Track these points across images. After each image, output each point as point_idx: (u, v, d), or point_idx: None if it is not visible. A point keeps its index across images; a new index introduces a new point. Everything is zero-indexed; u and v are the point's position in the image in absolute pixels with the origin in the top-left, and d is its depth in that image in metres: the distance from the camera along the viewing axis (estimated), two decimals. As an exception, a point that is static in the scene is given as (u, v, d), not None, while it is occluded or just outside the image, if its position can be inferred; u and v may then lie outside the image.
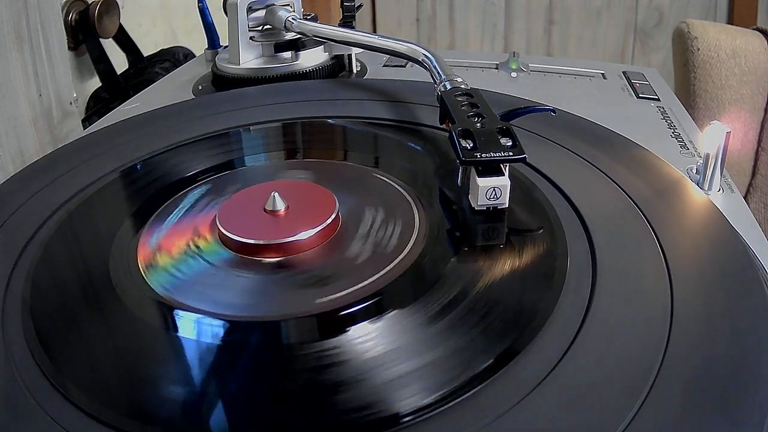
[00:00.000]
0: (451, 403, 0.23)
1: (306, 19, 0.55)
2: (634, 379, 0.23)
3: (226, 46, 0.59)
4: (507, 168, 0.33)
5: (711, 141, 0.37)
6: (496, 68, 0.60)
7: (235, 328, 0.27)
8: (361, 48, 0.53)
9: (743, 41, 0.74)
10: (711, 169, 0.38)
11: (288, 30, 0.56)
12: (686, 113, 0.50)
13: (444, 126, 0.39)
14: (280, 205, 0.33)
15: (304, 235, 0.31)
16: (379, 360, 0.25)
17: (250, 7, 0.56)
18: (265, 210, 0.33)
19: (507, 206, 0.33)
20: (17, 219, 0.35)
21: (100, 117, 0.54)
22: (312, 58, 0.57)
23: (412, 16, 1.45)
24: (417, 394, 0.23)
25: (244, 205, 0.33)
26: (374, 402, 0.23)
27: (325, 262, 0.30)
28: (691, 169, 0.40)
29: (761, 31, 0.76)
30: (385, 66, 0.61)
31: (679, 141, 0.45)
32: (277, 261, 0.30)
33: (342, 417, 0.23)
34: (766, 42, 0.74)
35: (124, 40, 0.80)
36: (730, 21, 1.33)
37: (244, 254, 0.31)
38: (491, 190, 0.32)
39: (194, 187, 0.37)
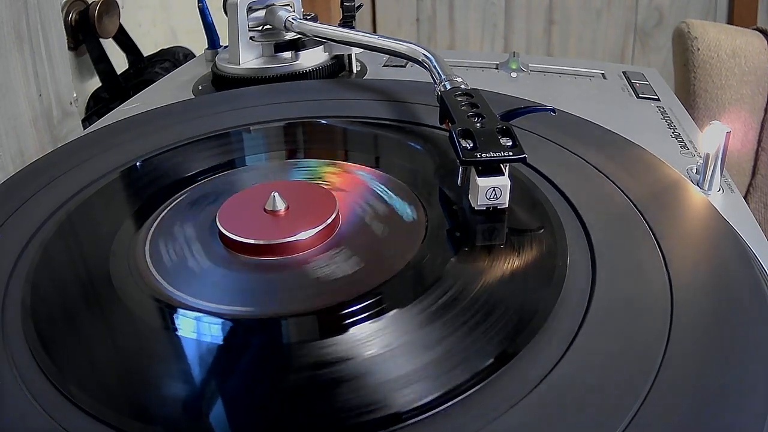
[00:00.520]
0: (450, 403, 0.23)
1: (306, 19, 0.55)
2: (634, 379, 0.23)
3: (226, 46, 0.59)
4: (507, 168, 0.33)
5: (711, 141, 0.37)
6: (496, 68, 0.60)
7: (234, 328, 0.27)
8: (361, 48, 0.53)
9: (743, 41, 0.74)
10: (711, 169, 0.38)
11: (288, 30, 0.56)
12: (686, 113, 0.50)
13: (444, 126, 0.39)
14: (280, 205, 0.33)
15: (304, 235, 0.31)
16: (379, 359, 0.25)
17: (250, 7, 0.56)
18: (265, 210, 0.33)
19: (507, 206, 0.33)
20: (17, 219, 0.35)
21: (100, 117, 0.54)
22: (312, 58, 0.57)
23: (412, 16, 1.45)
24: (416, 393, 0.23)
25: (244, 205, 0.33)
26: (373, 401, 0.23)
27: (324, 261, 0.30)
28: (691, 169, 0.40)
29: (761, 31, 0.76)
30: (385, 66, 0.61)
31: (679, 141, 0.45)
32: (277, 261, 0.30)
33: (341, 416, 0.23)
34: (766, 42, 0.74)
35: (124, 40, 0.80)
36: (730, 21, 1.33)
37: (244, 254, 0.31)
38: (491, 190, 0.32)
39: (194, 187, 0.37)
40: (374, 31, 1.45)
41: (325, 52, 0.57)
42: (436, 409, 0.23)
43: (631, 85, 0.56)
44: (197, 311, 0.28)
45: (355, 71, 0.59)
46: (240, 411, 0.23)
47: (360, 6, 0.58)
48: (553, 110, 0.40)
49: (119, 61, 0.79)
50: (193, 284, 0.29)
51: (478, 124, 0.34)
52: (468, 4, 1.41)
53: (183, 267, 0.31)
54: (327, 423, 0.23)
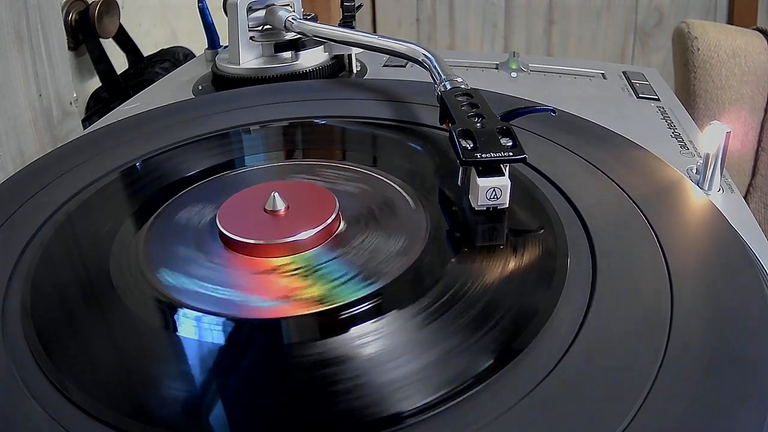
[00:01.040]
0: (451, 404, 0.23)
1: (306, 19, 0.55)
2: (634, 379, 0.23)
3: (226, 46, 0.59)
4: (507, 168, 0.33)
5: (711, 141, 0.37)
6: (496, 68, 0.60)
7: (234, 328, 0.27)
8: (361, 48, 0.53)
9: (743, 41, 0.74)
10: (711, 169, 0.38)
11: (288, 30, 0.56)
12: (686, 113, 0.50)
13: (444, 126, 0.39)
14: (280, 205, 0.33)
15: (304, 235, 0.31)
16: (378, 360, 0.25)
17: (250, 7, 0.56)
18: (265, 210, 0.33)
19: (507, 206, 0.33)
20: (17, 219, 0.35)
21: (100, 117, 0.54)
22: (312, 58, 0.57)
23: (412, 16, 1.45)
24: (416, 394, 0.23)
25: (244, 205, 0.33)
26: (373, 402, 0.23)
27: (324, 261, 0.30)
28: (691, 169, 0.40)
29: (761, 31, 0.76)
30: (385, 66, 0.61)
31: (679, 141, 0.45)
32: (278, 261, 0.30)
33: (341, 417, 0.23)
34: (766, 42, 0.74)
35: (124, 40, 0.80)
36: (730, 21, 1.33)
37: (244, 254, 0.31)
38: (491, 190, 0.32)
39: (194, 187, 0.37)
40: (374, 31, 1.45)
41: (325, 52, 0.57)
42: (436, 410, 0.23)
43: (631, 85, 0.56)
44: (197, 311, 0.28)
45: (355, 71, 0.59)
46: (239, 411, 0.23)
47: (360, 6, 0.58)
48: (553, 110, 0.40)
49: (119, 61, 0.79)
50: (193, 284, 0.29)
51: (478, 124, 0.34)
52: (468, 4, 1.41)
53: (183, 267, 0.31)
54: (327, 423, 0.23)
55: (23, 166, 0.43)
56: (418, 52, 0.47)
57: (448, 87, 0.40)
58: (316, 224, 0.31)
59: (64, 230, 0.34)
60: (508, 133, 0.33)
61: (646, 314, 0.26)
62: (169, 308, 0.28)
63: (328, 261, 0.30)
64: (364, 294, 0.28)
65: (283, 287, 0.29)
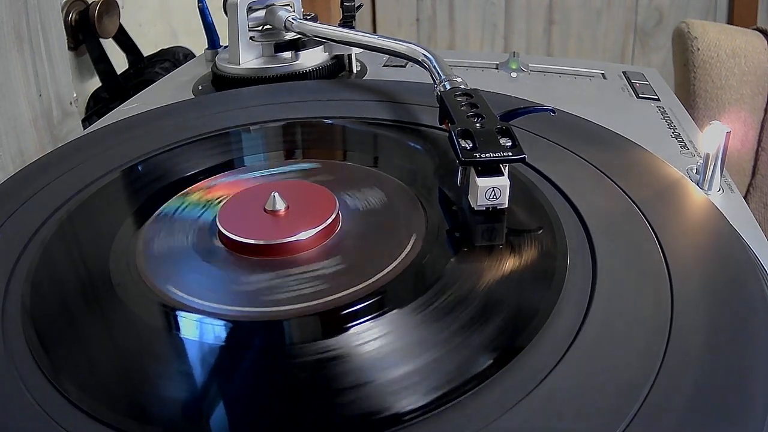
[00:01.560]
0: (450, 404, 0.23)
1: (306, 19, 0.55)
2: (634, 380, 0.23)
3: (226, 46, 0.59)
4: (506, 168, 0.33)
5: (711, 141, 0.37)
6: (496, 68, 0.60)
7: (234, 328, 0.27)
8: (361, 48, 0.53)
9: (743, 41, 0.74)
10: (711, 169, 0.38)
11: (288, 30, 0.56)
12: (686, 113, 0.50)
13: (444, 126, 0.39)
14: (280, 205, 0.33)
15: (304, 235, 0.31)
16: (378, 360, 0.25)
17: (250, 7, 0.56)
18: (265, 210, 0.33)
19: (506, 206, 0.33)
20: (17, 219, 0.35)
21: (100, 117, 0.54)
22: (312, 58, 0.56)
23: (412, 16, 1.45)
24: (416, 394, 0.23)
25: (244, 205, 0.33)
26: (373, 402, 0.23)
27: (324, 261, 0.30)
28: (691, 169, 0.40)
29: (761, 31, 0.76)
30: (385, 66, 0.61)
31: (679, 141, 0.45)
32: (278, 261, 0.30)
33: (341, 416, 0.23)
34: (766, 42, 0.74)
35: (124, 40, 0.80)
36: (730, 21, 1.33)
37: (244, 254, 0.31)
38: (491, 190, 0.32)
39: (194, 187, 0.37)
40: (374, 31, 1.45)
41: (325, 52, 0.57)
42: (436, 410, 0.23)
43: (631, 85, 0.56)
44: (197, 312, 0.28)
45: (355, 71, 0.59)
46: (239, 411, 0.23)
47: (360, 6, 0.58)
48: (553, 110, 0.40)
49: (119, 61, 0.79)
50: (193, 284, 0.29)
51: (478, 125, 0.34)
52: (468, 4, 1.41)
53: (183, 267, 0.31)
54: (327, 424, 0.23)
55: (23, 166, 0.43)
56: (418, 52, 0.47)
57: (448, 87, 0.40)
58: (317, 224, 0.31)
59: (64, 230, 0.34)
60: (507, 133, 0.33)
61: (645, 314, 0.26)
62: (169, 309, 0.28)
63: (328, 261, 0.30)
64: (364, 294, 0.28)
65: (283, 287, 0.29)
